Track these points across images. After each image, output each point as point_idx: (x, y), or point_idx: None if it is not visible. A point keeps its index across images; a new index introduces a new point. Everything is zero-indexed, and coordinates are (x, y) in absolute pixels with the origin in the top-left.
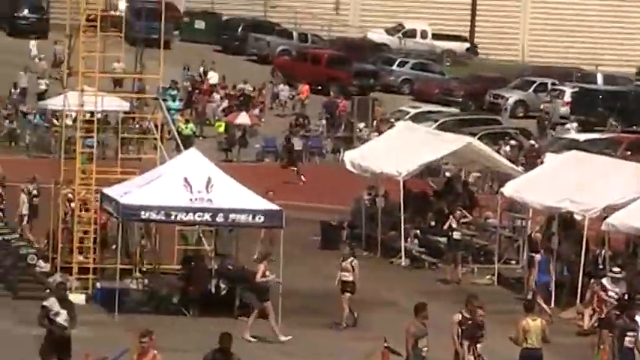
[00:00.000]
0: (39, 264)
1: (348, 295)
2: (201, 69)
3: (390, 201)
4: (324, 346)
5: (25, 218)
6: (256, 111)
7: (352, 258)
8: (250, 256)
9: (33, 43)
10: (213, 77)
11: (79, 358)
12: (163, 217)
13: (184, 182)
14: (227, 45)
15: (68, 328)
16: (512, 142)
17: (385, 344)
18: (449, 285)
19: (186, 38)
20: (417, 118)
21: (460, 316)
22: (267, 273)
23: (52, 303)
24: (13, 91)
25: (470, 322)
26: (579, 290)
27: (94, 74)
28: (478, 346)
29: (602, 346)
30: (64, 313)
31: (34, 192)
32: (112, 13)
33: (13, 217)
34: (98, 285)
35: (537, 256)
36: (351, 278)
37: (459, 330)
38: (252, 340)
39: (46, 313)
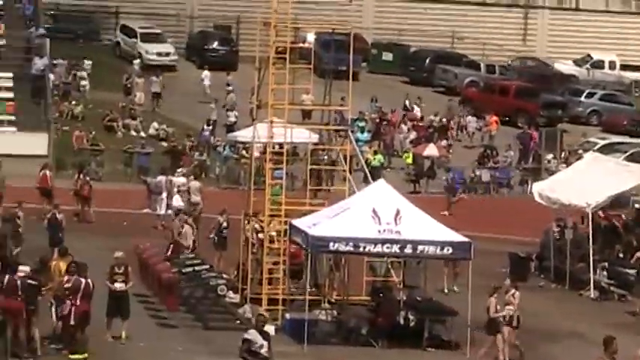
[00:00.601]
0: (229, 295)
1: (508, 328)
2: (407, 102)
3: (578, 233)
4: None
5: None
6: (444, 142)
7: (514, 290)
8: (438, 288)
9: (205, 74)
10: (417, 111)
11: None
12: (352, 249)
13: (373, 214)
14: (414, 77)
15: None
16: None
17: None
18: (638, 317)
19: (373, 70)
20: (605, 150)
21: None
22: (498, 307)
23: (254, 336)
24: (205, 127)
25: None
26: None
27: (283, 106)
28: None
29: None
30: (265, 345)
31: (224, 224)
32: (301, 45)
33: (203, 247)
34: (287, 316)
35: None
36: (512, 312)
37: None
38: None
39: (249, 346)
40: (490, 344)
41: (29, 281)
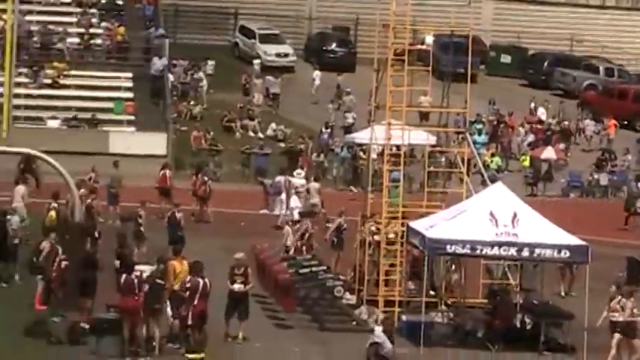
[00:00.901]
0: (345, 296)
1: (617, 335)
2: (532, 105)
3: None
4: None
5: (292, 250)
6: (562, 145)
7: (619, 297)
8: (554, 291)
9: (317, 74)
10: (542, 114)
11: None
12: (469, 251)
13: (490, 216)
14: (532, 79)
15: None
16: None
17: None
18: None
19: (491, 72)
20: None
21: None
22: (635, 311)
23: (383, 339)
24: (323, 130)
25: None
26: None
27: (401, 108)
28: None
29: None
30: (391, 348)
31: (344, 225)
32: (419, 47)
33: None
34: (404, 318)
35: None
36: (620, 319)
37: None
38: None
39: (376, 349)
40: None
41: (157, 280)
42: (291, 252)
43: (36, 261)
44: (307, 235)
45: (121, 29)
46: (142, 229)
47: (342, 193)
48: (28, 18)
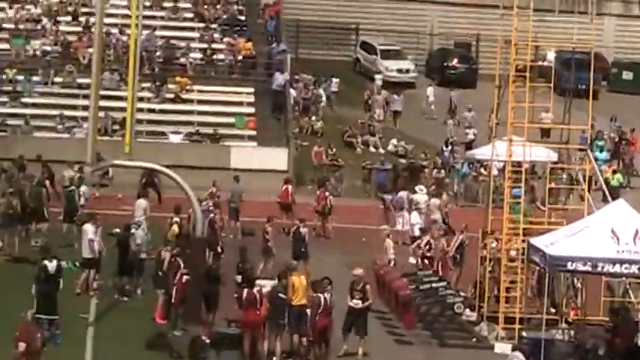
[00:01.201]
0: (465, 313)
1: None
2: None
3: None
4: None
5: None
6: None
7: None
8: None
9: (430, 90)
10: None
11: None
12: (590, 269)
13: (611, 234)
14: None
15: None
16: None
17: None
18: None
19: (613, 89)
20: None
21: None
22: None
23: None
24: (444, 148)
25: None
26: None
27: (522, 124)
28: None
29: None
30: None
31: (466, 241)
32: (541, 63)
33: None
34: (524, 335)
35: None
36: None
37: None
38: None
39: None
40: None
41: (279, 295)
42: (392, 264)
43: (160, 274)
44: (430, 250)
45: (249, 44)
46: (269, 244)
47: (463, 209)
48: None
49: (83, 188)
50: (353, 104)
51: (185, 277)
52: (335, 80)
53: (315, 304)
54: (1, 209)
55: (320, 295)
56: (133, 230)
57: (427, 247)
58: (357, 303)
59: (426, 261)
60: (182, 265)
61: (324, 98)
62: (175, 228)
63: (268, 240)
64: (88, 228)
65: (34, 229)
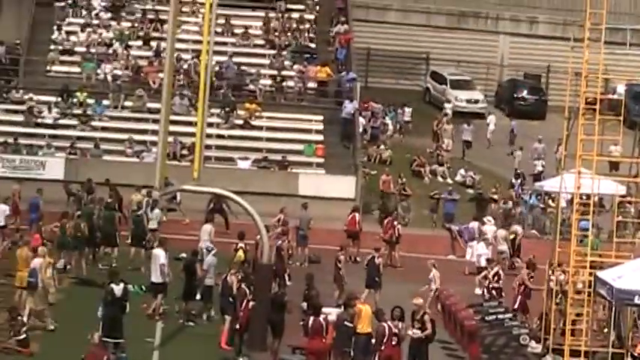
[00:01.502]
0: (531, 344)
1: None
2: None
3: None
4: None
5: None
6: None
7: None
8: None
9: (491, 118)
10: None
11: None
12: None
13: None
14: None
15: None
16: None
17: None
18: None
19: None
20: None
21: None
22: None
23: None
24: (514, 181)
25: None
26: None
27: (591, 157)
28: None
29: None
30: None
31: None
32: (611, 96)
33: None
34: None
35: None
36: None
37: None
38: None
39: None
40: None
41: (345, 323)
42: (436, 294)
43: (229, 299)
44: (499, 281)
45: (326, 68)
46: (341, 272)
47: (531, 241)
48: (222, 59)
49: (156, 211)
50: (422, 133)
51: (250, 304)
52: (408, 110)
53: (380, 333)
54: (70, 232)
55: (384, 324)
56: (205, 255)
57: (495, 278)
58: (415, 332)
59: (494, 292)
60: (247, 292)
61: (390, 127)
62: (241, 253)
63: (340, 269)
64: (160, 253)
65: (103, 252)
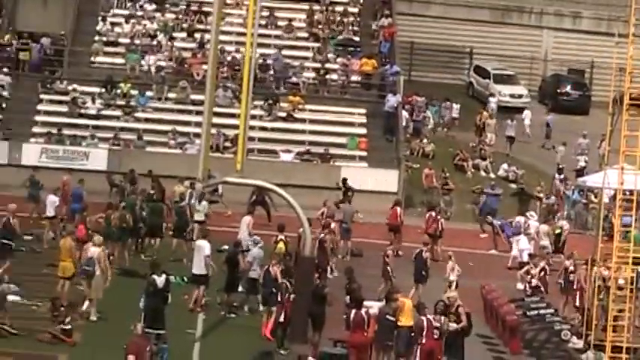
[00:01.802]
0: (572, 340)
1: None
2: None
3: None
4: None
5: (454, 285)
6: None
7: None
8: None
9: (526, 113)
10: None
11: None
12: None
13: None
14: None
15: None
16: None
17: None
18: None
19: None
20: None
21: None
22: None
23: None
24: (557, 176)
25: None
26: None
27: (635, 153)
28: None
29: None
30: None
31: (571, 267)
32: None
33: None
34: None
35: None
36: None
37: None
38: None
39: None
40: None
41: (387, 317)
42: (453, 287)
43: (273, 290)
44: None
45: (373, 61)
46: (388, 267)
47: (573, 236)
48: (265, 51)
49: (203, 203)
50: (465, 128)
51: (291, 296)
52: (456, 106)
53: (418, 326)
54: (115, 223)
55: (423, 317)
56: (250, 247)
57: (542, 273)
58: (450, 325)
59: (541, 286)
60: (288, 285)
61: (431, 121)
62: (281, 245)
63: (388, 263)
64: (205, 244)
65: (147, 243)
